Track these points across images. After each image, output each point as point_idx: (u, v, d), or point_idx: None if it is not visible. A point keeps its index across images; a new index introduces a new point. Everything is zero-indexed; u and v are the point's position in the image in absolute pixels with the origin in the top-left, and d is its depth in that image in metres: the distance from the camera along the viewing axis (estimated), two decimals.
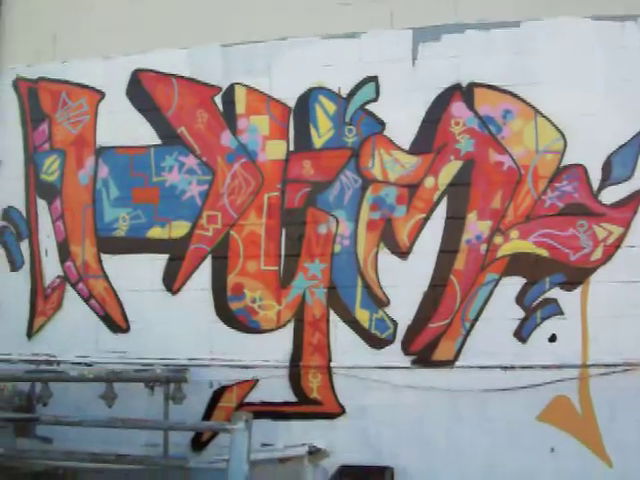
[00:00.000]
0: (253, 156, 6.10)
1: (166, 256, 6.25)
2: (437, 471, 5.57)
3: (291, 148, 6.04)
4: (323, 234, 5.91)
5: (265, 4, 6.22)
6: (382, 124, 5.86)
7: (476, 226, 5.64)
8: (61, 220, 6.57)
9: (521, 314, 5.54)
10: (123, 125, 6.46)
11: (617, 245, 5.43)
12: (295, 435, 5.87)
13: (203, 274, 6.15)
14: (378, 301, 5.80)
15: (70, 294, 6.51)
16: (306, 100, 6.02)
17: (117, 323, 6.36)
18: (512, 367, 5.48)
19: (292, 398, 5.91)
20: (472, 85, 5.70)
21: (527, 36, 5.63)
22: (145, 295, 6.25)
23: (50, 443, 6.25)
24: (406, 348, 5.73)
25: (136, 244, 6.32)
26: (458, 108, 5.72)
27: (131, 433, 5.73)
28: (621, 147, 5.44)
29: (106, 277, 6.41)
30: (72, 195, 6.55)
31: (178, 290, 6.21)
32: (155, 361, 6.10)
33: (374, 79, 5.89)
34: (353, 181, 5.88)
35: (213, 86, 6.27)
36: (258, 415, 5.39)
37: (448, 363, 5.63)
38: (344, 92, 5.94)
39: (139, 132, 6.39)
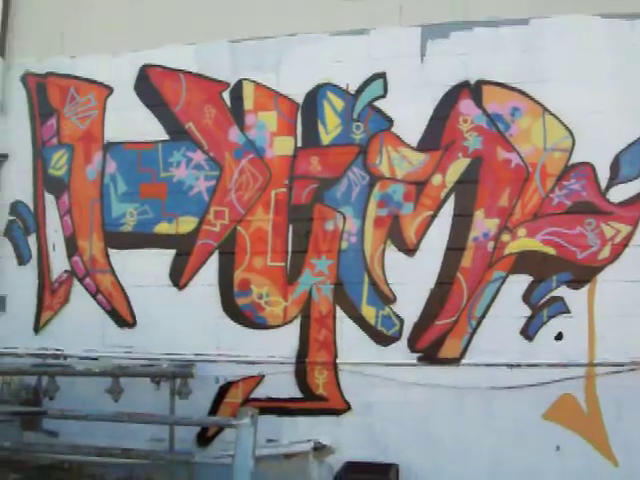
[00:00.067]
0: (261, 152, 6.16)
1: (173, 251, 6.31)
2: (442, 468, 5.62)
3: (299, 144, 6.09)
4: (330, 231, 5.97)
5: (274, 0, 6.29)
6: (390, 121, 5.91)
7: (483, 224, 5.69)
8: (69, 215, 6.64)
9: (528, 312, 5.58)
10: (131, 120, 6.53)
11: (625, 244, 5.47)
12: (300, 431, 5.92)
13: (210, 270, 6.21)
14: (385, 298, 5.85)
15: (77, 289, 6.58)
16: (314, 96, 6.08)
17: (124, 318, 6.43)
18: (518, 365, 5.53)
19: (298, 394, 5.96)
20: (480, 82, 5.75)
21: (536, 34, 5.68)
22: (152, 290, 6.32)
23: (56, 437, 6.32)
24: (412, 345, 5.78)
25: (143, 239, 6.38)
26: (466, 105, 5.77)
27: (137, 428, 5.77)
28: (630, 146, 5.48)
29: (113, 272, 6.47)
30: (80, 190, 6.62)
31: (185, 285, 6.27)
32: (161, 356, 6.17)
33: (382, 76, 5.94)
34: (360, 178, 5.93)
35: (221, 82, 6.33)
36: (264, 411, 5.44)
37: (454, 360, 5.68)
38: (352, 88, 5.99)
39: (147, 127, 6.46)
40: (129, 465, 5.97)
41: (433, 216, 5.79)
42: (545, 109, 5.61)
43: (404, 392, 5.71)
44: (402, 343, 5.80)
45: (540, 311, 5.56)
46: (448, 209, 5.77)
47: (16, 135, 6.87)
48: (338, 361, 5.90)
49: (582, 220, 5.53)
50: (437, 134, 5.80)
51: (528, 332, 5.57)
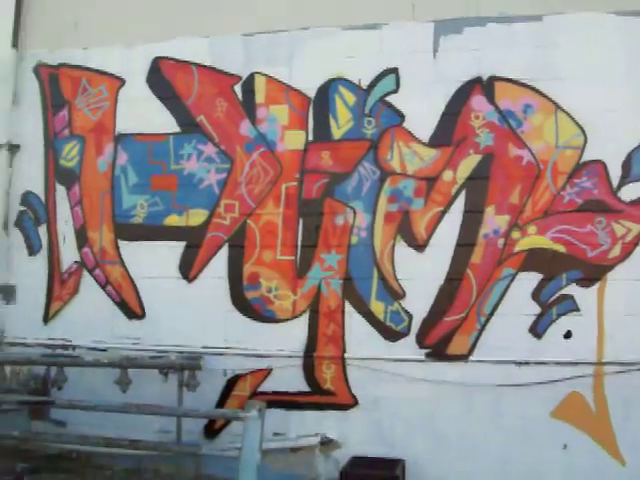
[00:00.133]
0: (272, 146, 6.22)
1: (183, 244, 6.38)
2: (450, 465, 5.67)
3: (310, 138, 6.14)
4: (340, 225, 6.02)
5: None
6: (402, 116, 5.95)
7: (494, 220, 5.73)
8: (79, 206, 6.73)
9: (537, 310, 5.62)
10: (143, 112, 6.60)
11: (635, 243, 5.51)
12: (307, 425, 5.99)
13: (219, 262, 6.28)
14: (394, 293, 5.90)
15: (87, 280, 6.66)
16: (326, 90, 6.13)
17: (133, 309, 6.51)
18: (527, 363, 5.58)
19: (305, 388, 6.03)
20: (493, 79, 5.78)
21: (549, 30, 5.70)
22: (161, 282, 6.39)
23: (64, 427, 6.41)
24: (421, 341, 5.83)
25: (153, 231, 6.46)
26: (478, 101, 5.81)
27: (144, 419, 5.84)
28: None
29: (123, 263, 6.55)
30: (91, 181, 6.71)
31: (194, 278, 6.34)
32: (170, 348, 6.25)
33: (394, 71, 5.98)
34: (371, 173, 5.98)
35: (233, 75, 6.39)
36: (271, 404, 5.54)
37: (462, 357, 5.73)
38: (364, 83, 6.04)
39: (158, 120, 6.53)
40: (137, 456, 6.04)
41: (443, 212, 5.83)
42: (558, 106, 5.65)
43: (412, 388, 5.76)
44: (410, 339, 5.85)
45: (549, 309, 5.60)
46: (459, 205, 5.81)
47: (28, 126, 6.97)
48: (346, 356, 5.96)
49: (593, 218, 5.57)
50: (449, 130, 5.84)
51: (537, 330, 5.61)
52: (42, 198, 6.87)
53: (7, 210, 6.91)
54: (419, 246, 5.87)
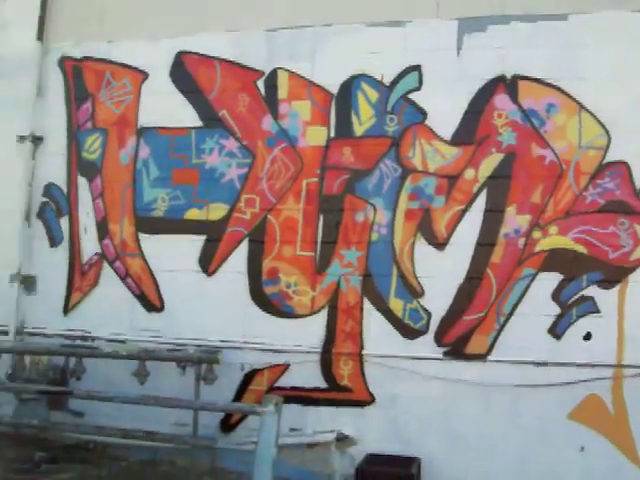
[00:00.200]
0: (293, 141, 6.31)
1: (203, 238, 6.48)
2: (466, 464, 5.71)
3: (332, 134, 6.22)
4: (360, 222, 6.09)
5: None
6: (424, 114, 6.01)
7: (515, 220, 5.77)
8: (101, 198, 6.86)
9: (557, 311, 5.66)
10: (165, 106, 6.71)
11: None
12: (324, 421, 6.07)
13: (239, 257, 6.37)
14: (413, 291, 5.96)
15: (107, 272, 6.79)
16: (348, 87, 6.20)
17: (152, 302, 6.63)
18: (545, 364, 5.61)
19: (322, 384, 6.11)
20: (516, 77, 5.83)
21: (574, 29, 5.74)
22: (181, 275, 6.50)
23: (82, 417, 6.53)
24: (439, 339, 5.89)
25: (174, 225, 6.57)
26: (501, 100, 5.85)
27: (161, 411, 5.93)
28: None
29: (143, 256, 6.67)
30: (112, 174, 6.84)
31: (214, 272, 6.45)
32: (188, 341, 6.35)
33: (417, 68, 6.04)
34: (393, 170, 6.05)
35: (256, 70, 6.49)
36: (288, 400, 5.58)
37: (481, 357, 5.77)
38: (387, 80, 6.10)
39: (181, 114, 6.64)
40: (153, 448, 6.14)
41: (464, 210, 5.88)
42: (581, 106, 5.68)
43: (429, 386, 5.82)
44: (429, 337, 5.91)
45: (569, 310, 5.63)
46: (480, 204, 5.86)
47: (52, 118, 7.10)
48: (364, 352, 6.02)
49: (615, 219, 5.59)
50: (471, 128, 5.89)
51: (556, 331, 5.65)
52: (64, 190, 7.01)
53: (30, 201, 7.05)
54: (439, 244, 5.93)
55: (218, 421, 6.31)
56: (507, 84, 5.85)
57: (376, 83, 6.14)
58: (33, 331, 6.93)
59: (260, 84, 6.47)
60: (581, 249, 5.64)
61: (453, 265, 5.87)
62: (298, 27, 6.42)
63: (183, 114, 6.64)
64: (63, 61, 7.16)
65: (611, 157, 5.63)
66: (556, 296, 5.67)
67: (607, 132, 5.63)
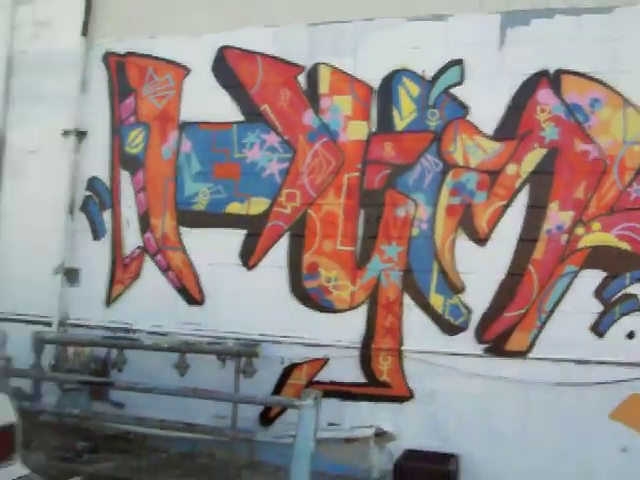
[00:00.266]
0: (334, 136, 6.41)
1: (244, 232, 6.62)
2: (505, 462, 5.73)
3: (373, 129, 6.31)
4: (401, 217, 6.17)
5: None
6: (465, 108, 6.06)
7: (557, 216, 5.79)
8: (143, 192, 7.06)
9: (599, 308, 5.66)
10: (207, 101, 6.88)
11: None
12: (362, 416, 6.16)
13: (279, 251, 6.50)
14: (453, 287, 6.02)
15: (148, 265, 6.99)
16: (390, 81, 6.28)
17: (192, 295, 6.79)
18: (587, 362, 5.61)
19: (361, 379, 6.20)
20: (560, 72, 5.83)
21: (619, 23, 5.72)
22: (221, 269, 6.65)
23: (122, 408, 6.70)
24: (479, 336, 5.93)
25: (215, 218, 6.73)
26: (544, 95, 5.87)
27: (199, 404, 6.06)
28: None
29: (184, 250, 6.85)
30: (155, 168, 7.03)
31: (254, 266, 6.59)
32: (228, 335, 6.49)
33: (459, 62, 6.09)
34: (434, 165, 6.11)
35: (297, 65, 6.61)
36: (327, 394, 5.65)
37: (521, 354, 5.80)
38: (429, 75, 6.16)
39: (222, 108, 6.79)
40: (191, 440, 6.28)
41: (506, 206, 5.92)
42: (626, 100, 5.67)
43: (469, 383, 5.86)
44: (469, 333, 5.96)
45: (612, 308, 5.63)
46: (522, 200, 5.89)
47: (95, 113, 7.33)
48: (403, 348, 6.10)
49: None
50: (513, 123, 5.92)
51: (599, 329, 5.65)
52: (107, 184, 7.23)
53: (73, 195, 7.30)
54: (480, 240, 5.97)
55: (257, 414, 6.44)
56: (550, 78, 5.86)
57: (418, 78, 6.20)
58: (76, 323, 7.18)
59: (301, 79, 6.59)
60: (625, 246, 5.64)
61: (494, 261, 5.90)
62: (340, 22, 6.52)
63: (225, 109, 6.78)
64: (107, 57, 7.38)
65: None
66: (599, 293, 5.66)
67: None
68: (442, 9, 6.18)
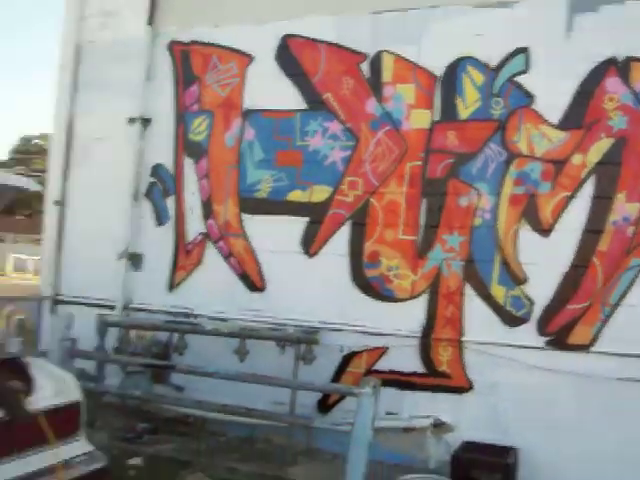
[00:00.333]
0: (397, 124, 6.47)
1: (305, 219, 6.75)
2: (565, 456, 5.72)
3: (436, 118, 6.35)
4: (464, 206, 6.20)
5: None
6: (531, 97, 6.04)
7: (624, 207, 5.75)
8: (206, 179, 7.24)
9: None
10: (270, 89, 7.02)
11: None
12: (420, 406, 6.21)
13: (340, 239, 6.60)
14: (516, 278, 6.03)
15: (210, 251, 7.17)
16: (454, 70, 6.30)
17: (254, 282, 6.95)
18: None
19: (421, 369, 6.27)
20: (629, 59, 5.77)
21: None
22: (282, 256, 6.79)
23: (182, 392, 6.87)
24: (541, 328, 5.93)
25: (277, 206, 6.87)
26: (613, 83, 5.81)
27: (257, 390, 6.18)
28: None
29: (246, 237, 7.00)
30: (218, 155, 7.21)
31: (315, 254, 6.71)
32: (288, 322, 6.62)
33: (525, 50, 6.06)
34: (498, 154, 6.12)
35: (360, 53, 6.68)
36: (385, 383, 5.72)
37: (583, 347, 5.79)
38: (493, 63, 6.16)
39: (285, 96, 6.92)
40: (249, 425, 6.45)
41: (571, 197, 5.90)
42: None
43: (530, 375, 5.86)
44: (531, 325, 5.96)
45: None
46: (587, 190, 5.86)
47: (160, 101, 7.54)
48: (464, 339, 6.14)
49: None
50: (580, 112, 5.89)
51: None
52: (171, 171, 7.44)
53: (138, 181, 7.53)
54: (544, 231, 5.97)
55: (315, 401, 6.56)
56: (619, 66, 5.81)
57: (482, 65, 6.20)
58: (138, 307, 7.42)
59: (364, 67, 6.66)
60: None
61: (558, 252, 5.89)
62: (403, 9, 6.56)
63: (287, 97, 6.91)
64: (172, 45, 7.58)
65: None
66: None
67: None
68: None
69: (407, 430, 6.21)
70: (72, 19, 8.13)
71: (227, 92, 7.23)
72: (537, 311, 5.96)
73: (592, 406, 5.72)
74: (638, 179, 5.73)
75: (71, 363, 6.27)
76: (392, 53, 6.56)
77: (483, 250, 6.14)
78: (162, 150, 7.47)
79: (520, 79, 6.10)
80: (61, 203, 7.99)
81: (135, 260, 7.49)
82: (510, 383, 5.93)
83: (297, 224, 6.77)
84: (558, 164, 5.95)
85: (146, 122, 7.55)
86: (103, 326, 6.95)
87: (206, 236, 7.19)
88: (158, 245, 7.40)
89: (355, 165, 6.60)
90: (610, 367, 5.66)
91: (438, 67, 6.36)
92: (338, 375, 6.52)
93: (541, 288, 5.95)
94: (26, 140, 47.48)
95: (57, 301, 7.88)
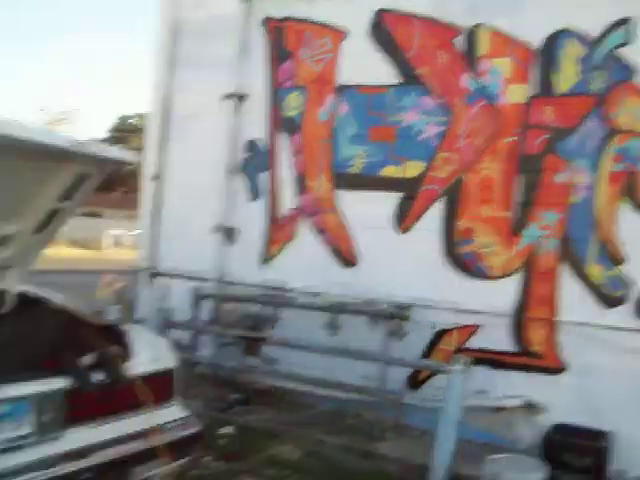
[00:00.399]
0: (492, 99, 6.43)
1: (398, 195, 6.79)
2: None
3: (533, 92, 6.26)
4: (560, 183, 6.11)
5: None
6: (632, 71, 5.86)
7: None
8: (300, 154, 7.38)
9: None
10: (363, 64, 7.06)
11: None
12: (511, 386, 6.18)
13: (433, 216, 6.63)
14: (613, 258, 5.91)
15: (303, 226, 7.33)
16: (552, 43, 6.18)
17: (346, 257, 7.07)
18: None
19: (512, 348, 6.25)
20: None
21: None
22: (375, 232, 6.85)
23: (274, 364, 7.08)
24: (639, 310, 5.80)
25: (370, 181, 6.94)
26: None
27: (347, 364, 6.33)
28: None
29: (338, 212, 7.11)
30: (311, 131, 7.33)
31: (407, 229, 6.76)
32: (379, 297, 6.66)
33: (626, 22, 5.87)
34: (597, 130, 5.98)
35: (455, 27, 6.64)
36: (476, 361, 5.76)
37: None
38: (593, 35, 6.00)
39: (379, 72, 6.95)
40: (339, 400, 6.55)
41: None
42: None
43: (626, 358, 5.73)
44: (628, 306, 5.84)
45: None
46: None
47: (254, 77, 7.71)
48: (558, 319, 6.07)
49: None
50: None
51: None
52: (265, 146, 7.61)
53: (233, 156, 7.73)
54: None
55: (405, 377, 6.63)
56: None
57: (581, 38, 6.06)
58: (233, 280, 7.63)
59: (459, 41, 6.62)
60: None
61: None
62: None
63: (381, 72, 6.94)
64: (266, 22, 7.72)
65: None
66: None
67: None
68: None
69: (497, 409, 6.18)
70: None
71: (320, 68, 7.33)
72: (635, 292, 5.83)
73: None
74: None
75: (166, 333, 6.53)
76: (487, 26, 6.49)
77: (580, 228, 6.04)
78: (256, 125, 7.64)
79: (621, 52, 5.92)
80: (158, 178, 8.27)
81: (229, 234, 7.72)
82: (605, 365, 5.81)
83: (390, 200, 6.82)
84: None
85: (241, 98, 7.72)
86: (198, 298, 7.19)
87: (299, 211, 7.34)
88: (252, 219, 7.60)
89: (449, 141, 6.59)
90: None
91: (535, 40, 6.25)
92: (429, 352, 6.57)
93: None
94: (124, 119, 48.88)
95: (154, 274, 8.20)
